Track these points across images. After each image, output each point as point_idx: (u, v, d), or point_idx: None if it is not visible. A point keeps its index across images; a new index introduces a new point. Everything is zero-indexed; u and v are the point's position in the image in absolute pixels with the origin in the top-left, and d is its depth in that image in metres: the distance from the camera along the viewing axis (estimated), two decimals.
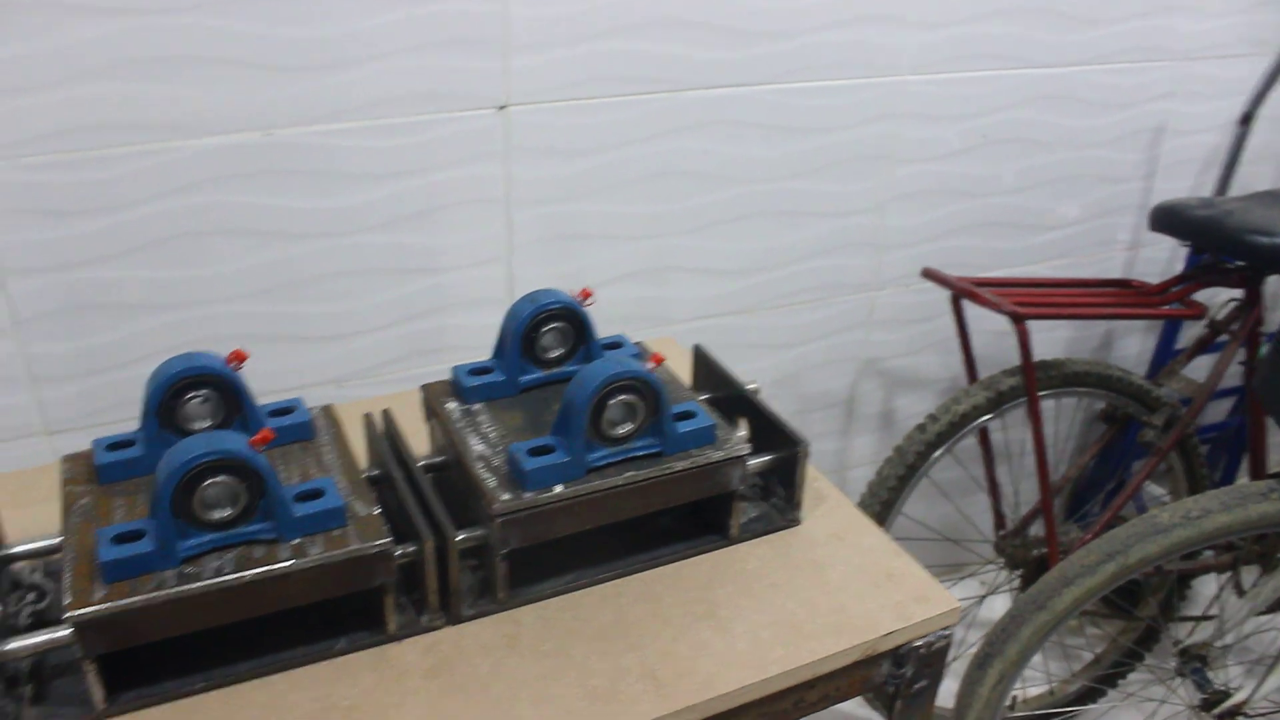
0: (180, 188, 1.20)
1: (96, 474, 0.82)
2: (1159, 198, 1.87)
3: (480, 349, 0.92)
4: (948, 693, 1.10)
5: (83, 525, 0.77)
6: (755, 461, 0.91)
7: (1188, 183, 1.97)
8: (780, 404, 1.62)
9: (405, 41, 1.23)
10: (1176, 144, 1.90)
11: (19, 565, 0.85)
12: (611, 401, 0.81)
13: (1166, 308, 1.68)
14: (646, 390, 0.82)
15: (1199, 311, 1.67)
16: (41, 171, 1.14)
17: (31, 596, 0.83)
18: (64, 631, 0.71)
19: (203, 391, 0.82)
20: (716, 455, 0.85)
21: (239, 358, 0.82)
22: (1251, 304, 1.69)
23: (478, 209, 1.36)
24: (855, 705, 2.01)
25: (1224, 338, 1.78)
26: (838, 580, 0.88)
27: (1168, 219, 1.66)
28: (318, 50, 1.19)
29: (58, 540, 0.82)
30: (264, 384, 0.84)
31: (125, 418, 1.30)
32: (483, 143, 1.32)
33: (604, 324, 0.96)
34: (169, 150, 1.18)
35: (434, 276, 1.38)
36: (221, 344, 1.14)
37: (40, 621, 0.80)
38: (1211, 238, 1.60)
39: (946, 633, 0.87)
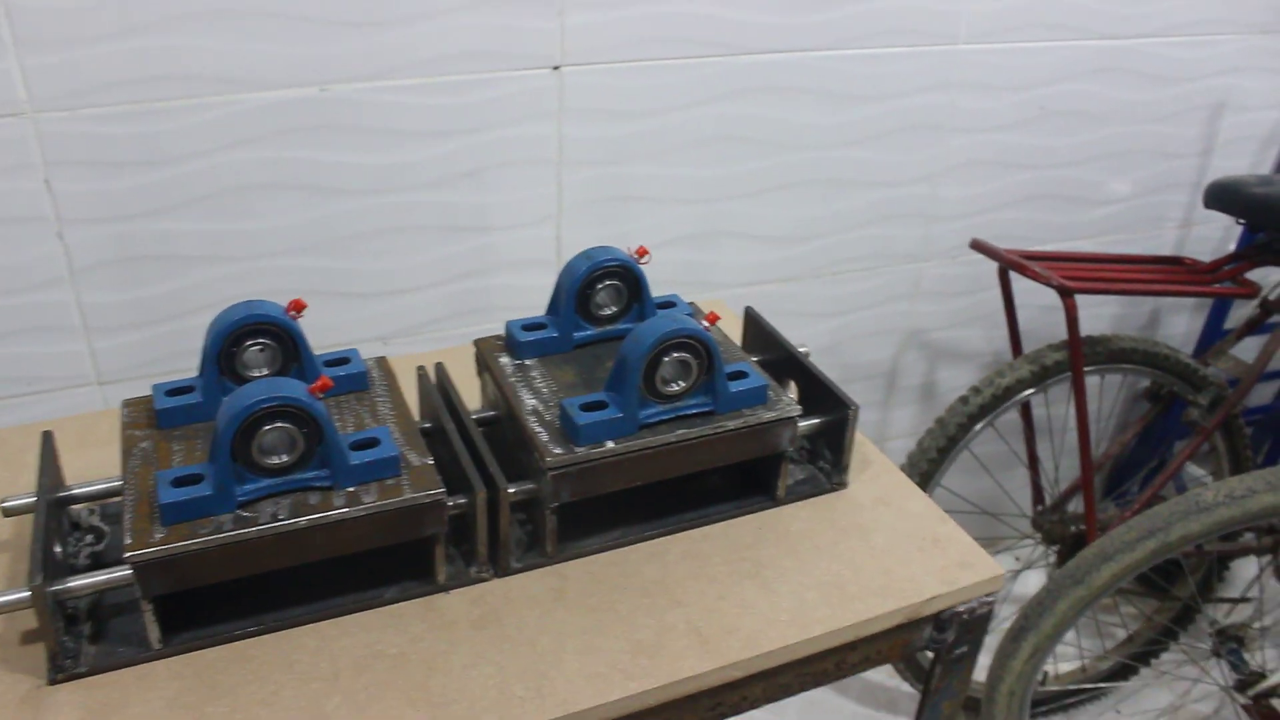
0: (236, 142, 1.21)
1: (156, 419, 0.84)
2: (1215, 175, 1.85)
3: (526, 310, 0.93)
4: (980, 666, 1.10)
5: (142, 469, 0.79)
6: (805, 423, 0.91)
7: (1246, 160, 1.94)
8: None
9: None
10: (1236, 120, 1.87)
11: (78, 507, 0.87)
12: (666, 359, 0.81)
13: (1218, 286, 1.66)
14: (701, 348, 0.82)
15: (1252, 291, 1.65)
16: (98, 123, 1.15)
17: (90, 538, 0.85)
18: (123, 571, 0.73)
19: (262, 339, 0.83)
20: (768, 415, 0.86)
21: (298, 307, 0.83)
22: None
23: (529, 169, 1.37)
24: (885, 676, 2.02)
25: (1275, 319, 1.76)
26: (883, 544, 0.88)
27: (1224, 196, 1.64)
28: (374, 7, 1.20)
29: (117, 483, 0.83)
30: (312, 339, 0.85)
31: (175, 370, 1.32)
32: (536, 103, 1.32)
33: (651, 287, 0.96)
34: (225, 104, 1.19)
35: (483, 236, 1.39)
36: (272, 298, 1.15)
37: (98, 563, 0.82)
38: (1268, 216, 1.58)
39: (990, 599, 0.87)
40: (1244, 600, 1.91)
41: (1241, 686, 1.70)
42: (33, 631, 0.76)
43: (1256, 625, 1.69)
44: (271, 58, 1.18)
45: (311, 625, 0.79)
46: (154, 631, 0.75)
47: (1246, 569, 2.17)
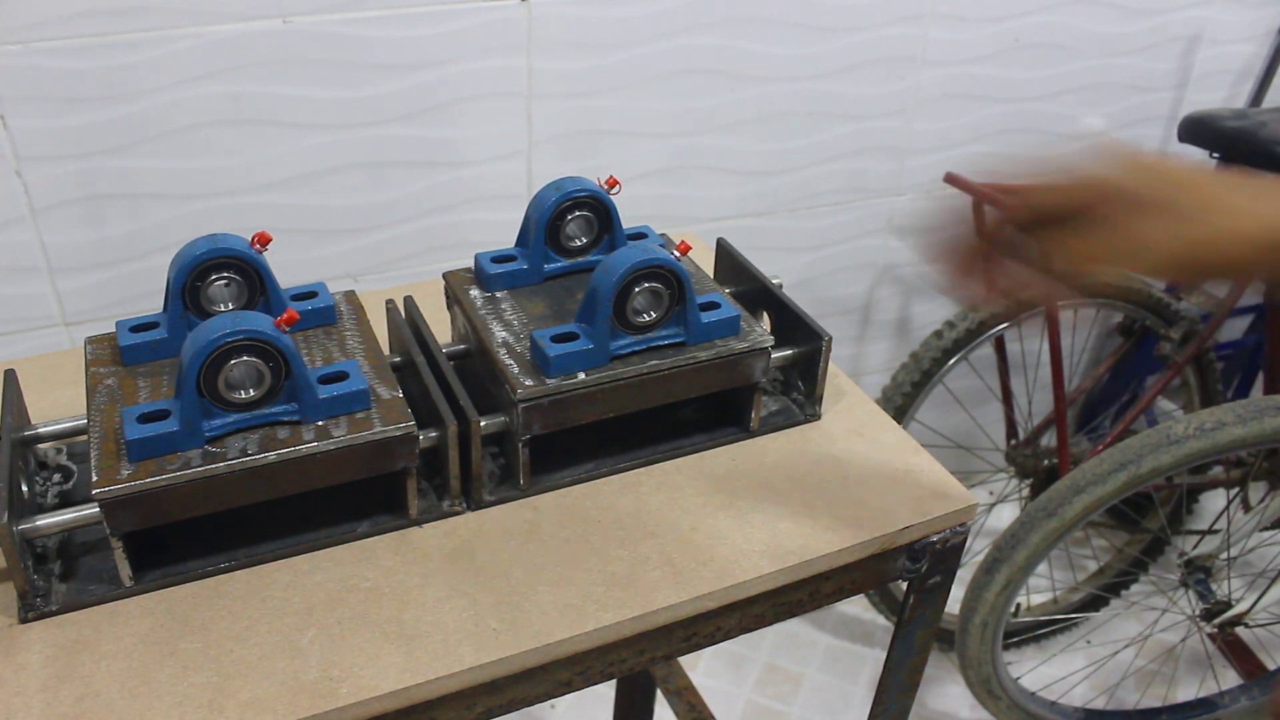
0: (198, 76, 1.19)
1: (120, 355, 0.82)
2: (1189, 109, 1.84)
3: (498, 245, 0.92)
4: (953, 599, 1.12)
5: (108, 406, 0.78)
6: (778, 354, 0.91)
7: (1220, 94, 1.93)
8: None
9: None
10: (1211, 53, 1.86)
11: (44, 447, 0.86)
12: (637, 289, 0.80)
13: None
14: (672, 278, 0.81)
15: None
16: (57, 57, 1.12)
17: (57, 477, 0.84)
18: (91, 509, 0.72)
19: (226, 274, 0.82)
20: (740, 346, 0.85)
21: (263, 240, 0.81)
22: None
23: (498, 103, 1.34)
24: (861, 609, 2.05)
25: None
26: (856, 475, 0.88)
27: (1198, 130, 1.63)
28: None
29: (82, 421, 0.82)
30: (280, 278, 0.84)
31: (142, 310, 1.30)
32: (505, 34, 1.30)
33: (623, 222, 0.95)
34: (187, 36, 1.16)
35: (452, 171, 1.37)
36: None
37: (66, 502, 0.81)
38: (1242, 150, 1.58)
39: (963, 529, 0.87)
40: (1212, 532, 1.94)
41: (1208, 616, 1.73)
42: (2, 571, 0.75)
43: (1223, 556, 1.72)
44: None
45: (284, 560, 0.78)
46: (124, 569, 0.74)
47: (1215, 501, 2.20)
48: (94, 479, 0.71)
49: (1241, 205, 0.65)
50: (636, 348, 0.83)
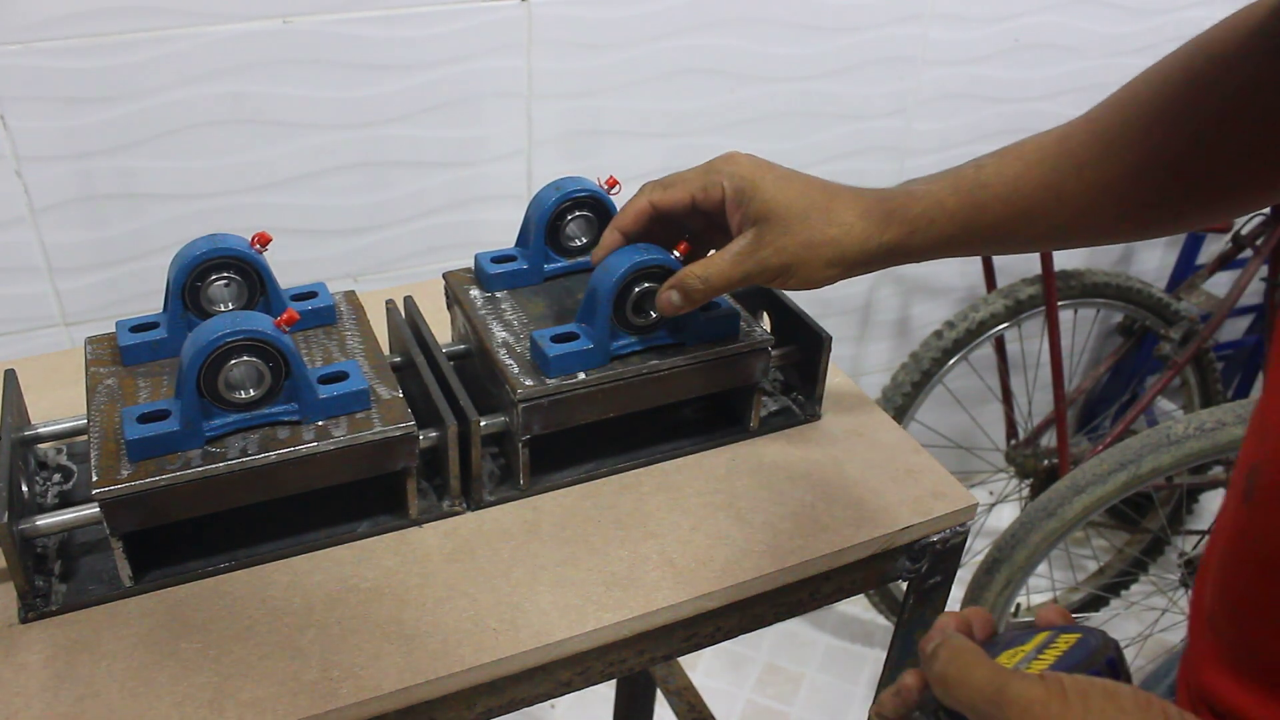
0: (198, 76, 1.19)
1: (120, 355, 0.83)
2: None
3: (499, 245, 0.92)
4: (953, 599, 1.12)
5: (108, 406, 0.78)
6: (778, 354, 0.91)
7: None
8: None
9: None
10: None
11: (44, 447, 0.86)
12: (637, 289, 0.80)
13: None
14: None
15: (1225, 225, 1.66)
16: (57, 57, 1.12)
17: (58, 477, 0.84)
18: (91, 509, 0.72)
19: (226, 274, 0.82)
20: (740, 346, 0.85)
21: (263, 240, 0.81)
22: (1278, 219, 1.67)
23: (498, 103, 1.34)
24: (860, 609, 2.05)
25: (1247, 253, 1.76)
26: (856, 474, 0.88)
27: None
28: None
29: (82, 421, 0.82)
30: (281, 278, 0.84)
31: (142, 310, 1.30)
32: (505, 35, 1.30)
33: None
34: (187, 37, 1.16)
35: (452, 171, 1.37)
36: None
37: (66, 502, 0.82)
38: None
39: (963, 529, 0.87)
40: (1211, 532, 1.94)
41: None
42: (2, 571, 0.75)
43: None
44: None
45: (284, 560, 0.78)
46: (124, 569, 0.74)
47: (1214, 501, 2.20)
48: (94, 479, 0.71)
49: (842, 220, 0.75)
50: (636, 348, 0.83)
